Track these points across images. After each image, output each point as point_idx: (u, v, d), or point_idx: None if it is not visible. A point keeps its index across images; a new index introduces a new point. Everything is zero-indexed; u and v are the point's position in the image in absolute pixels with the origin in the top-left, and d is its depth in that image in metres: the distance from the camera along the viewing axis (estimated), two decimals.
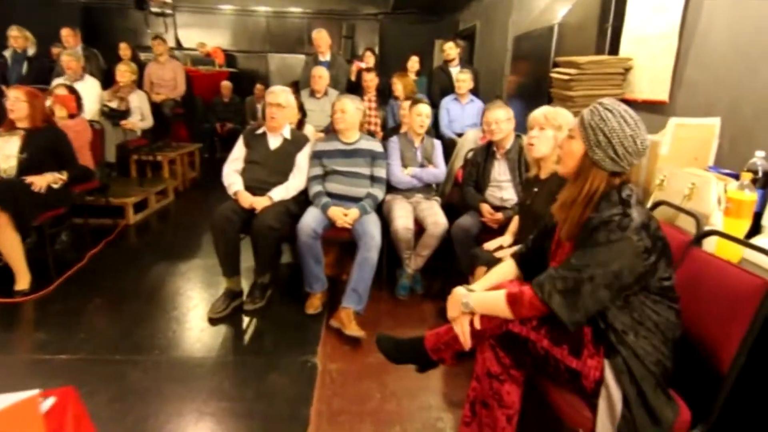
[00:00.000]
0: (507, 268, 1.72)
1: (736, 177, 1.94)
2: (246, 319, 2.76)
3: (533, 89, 3.62)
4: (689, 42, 2.50)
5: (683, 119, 2.28)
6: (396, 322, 2.82)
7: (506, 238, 2.44)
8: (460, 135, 4.31)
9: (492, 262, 2.24)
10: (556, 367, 1.42)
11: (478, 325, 1.50)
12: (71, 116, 3.62)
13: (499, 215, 2.80)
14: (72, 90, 3.69)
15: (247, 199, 2.82)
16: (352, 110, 2.98)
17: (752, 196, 1.67)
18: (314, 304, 2.83)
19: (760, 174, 1.85)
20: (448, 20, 8.54)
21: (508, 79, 4.69)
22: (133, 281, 3.20)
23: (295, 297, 2.97)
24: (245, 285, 2.99)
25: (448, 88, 4.99)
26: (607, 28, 3.26)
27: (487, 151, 2.99)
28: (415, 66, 5.50)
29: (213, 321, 2.70)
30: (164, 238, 4.20)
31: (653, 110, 2.76)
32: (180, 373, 2.23)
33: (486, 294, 1.54)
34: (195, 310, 2.82)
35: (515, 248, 2.26)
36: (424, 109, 3.21)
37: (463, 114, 4.66)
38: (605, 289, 1.30)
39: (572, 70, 2.97)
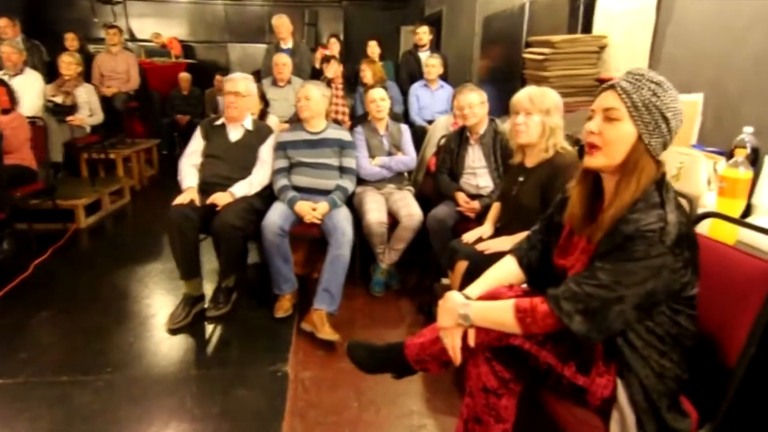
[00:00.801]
0: (507, 269, 1.51)
1: (724, 155, 1.85)
2: (209, 327, 2.55)
3: (505, 71, 3.49)
4: (667, 16, 2.39)
5: None
6: (372, 320, 2.66)
7: (486, 228, 2.30)
8: (430, 122, 4.16)
9: (473, 255, 2.09)
10: (558, 382, 1.27)
11: (472, 342, 1.31)
12: (5, 111, 3.29)
13: (476, 204, 2.66)
14: (2, 83, 3.35)
15: (192, 195, 2.57)
16: (317, 97, 2.78)
17: (747, 173, 1.56)
18: (284, 307, 2.64)
19: (749, 150, 1.76)
20: (414, 6, 8.35)
21: (479, 62, 4.56)
22: (85, 291, 2.93)
23: (263, 300, 2.77)
24: (209, 289, 2.77)
25: (417, 73, 4.84)
26: (579, 6, 3.15)
27: (460, 137, 2.84)
28: (375, 50, 5.29)
29: (173, 331, 2.47)
30: (120, 242, 3.91)
31: None
32: (136, 393, 2.01)
33: (489, 305, 1.32)
34: (154, 320, 2.59)
35: (500, 240, 2.13)
36: (377, 93, 3.02)
37: (433, 100, 4.51)
38: (634, 310, 1.12)
39: (546, 50, 2.84)
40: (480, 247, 2.14)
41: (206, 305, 2.67)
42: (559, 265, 1.36)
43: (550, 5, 3.22)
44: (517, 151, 2.17)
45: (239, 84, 2.75)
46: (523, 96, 2.06)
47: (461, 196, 2.72)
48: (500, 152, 2.70)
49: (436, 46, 6.31)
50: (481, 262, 2.07)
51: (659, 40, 2.44)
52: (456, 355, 1.34)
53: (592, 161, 1.20)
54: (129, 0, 8.30)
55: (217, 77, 7.14)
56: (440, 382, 2.11)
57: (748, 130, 1.79)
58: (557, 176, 1.97)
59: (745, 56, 1.96)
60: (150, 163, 5.86)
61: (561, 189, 1.96)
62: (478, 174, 2.77)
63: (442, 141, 3.03)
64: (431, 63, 4.44)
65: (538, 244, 1.50)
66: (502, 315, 1.25)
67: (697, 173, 1.78)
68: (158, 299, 2.84)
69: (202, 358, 2.28)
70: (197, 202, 2.55)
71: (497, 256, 2.07)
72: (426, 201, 3.05)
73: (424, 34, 5.04)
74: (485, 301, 1.35)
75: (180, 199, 2.54)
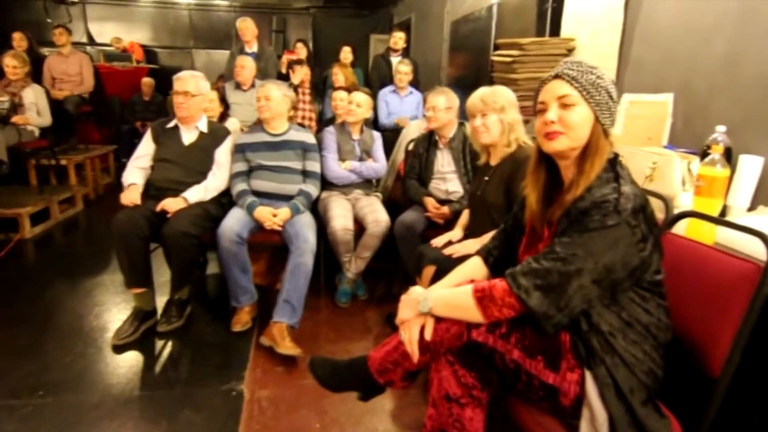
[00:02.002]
0: (471, 267, 1.46)
1: (696, 155, 1.80)
2: (159, 344, 2.35)
3: (474, 74, 3.43)
4: (634, 17, 2.36)
5: (637, 95, 2.14)
6: (338, 333, 2.51)
7: (456, 233, 2.20)
8: (393, 128, 4.08)
9: (441, 260, 1.98)
10: (528, 384, 1.17)
11: (429, 335, 1.23)
12: None
13: (445, 209, 2.56)
14: None
15: (129, 196, 2.39)
16: (278, 97, 2.63)
17: (725, 171, 1.50)
18: (242, 320, 2.46)
19: (722, 150, 1.71)
20: (383, 14, 8.31)
21: (449, 64, 4.50)
22: (24, 306, 2.68)
23: (221, 313, 2.59)
24: (161, 303, 2.57)
25: (388, 77, 4.76)
26: (547, 8, 3.12)
27: (429, 141, 2.75)
28: (348, 57, 5.21)
29: (118, 348, 2.26)
30: (69, 253, 3.65)
31: None
32: (69, 419, 1.80)
33: (449, 291, 1.26)
34: (98, 337, 2.37)
35: (468, 243, 2.03)
36: (355, 96, 2.90)
37: (402, 106, 4.42)
38: (594, 285, 1.06)
39: (515, 52, 2.78)
40: (448, 251, 2.03)
41: (157, 319, 2.47)
42: (524, 260, 1.28)
43: (517, 8, 3.18)
44: (482, 153, 2.12)
45: (188, 83, 2.58)
46: (475, 99, 2.05)
47: (430, 202, 2.62)
48: (470, 156, 2.62)
49: (405, 53, 6.27)
50: (449, 266, 1.94)
51: (627, 41, 2.40)
52: (413, 349, 1.26)
53: (556, 145, 1.17)
54: (88, 3, 7.98)
55: None
56: (408, 396, 1.97)
57: (721, 129, 1.74)
58: (519, 169, 1.91)
59: (713, 55, 1.93)
60: (107, 170, 5.58)
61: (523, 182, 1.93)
62: (447, 179, 2.68)
63: (411, 145, 2.92)
64: (403, 70, 4.36)
65: (504, 242, 1.45)
66: (462, 298, 1.20)
67: (671, 173, 1.72)
68: (106, 314, 2.62)
69: (148, 378, 2.08)
70: (137, 201, 2.38)
71: (465, 260, 1.98)
72: (396, 207, 2.93)
73: (400, 39, 4.99)
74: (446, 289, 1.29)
75: (124, 199, 2.37)
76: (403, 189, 2.88)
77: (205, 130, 2.66)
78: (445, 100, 2.57)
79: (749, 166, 1.65)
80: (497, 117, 1.98)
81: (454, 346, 1.21)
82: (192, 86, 2.54)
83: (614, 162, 1.15)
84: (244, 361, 2.20)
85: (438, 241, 2.16)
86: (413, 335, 1.25)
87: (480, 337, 1.17)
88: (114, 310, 2.66)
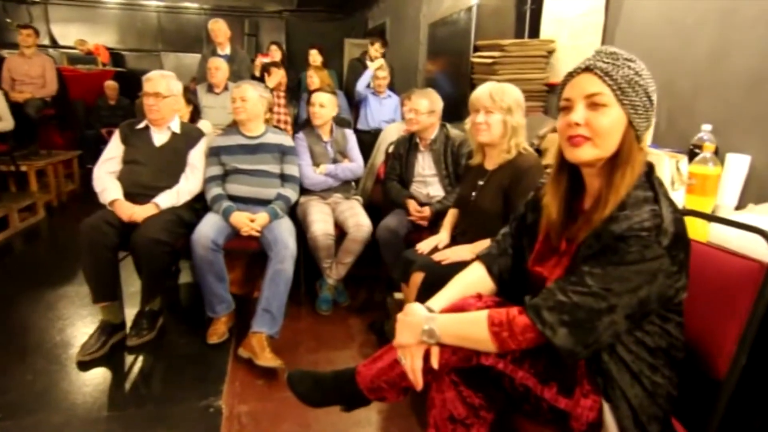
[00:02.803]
0: (474, 277, 1.32)
1: (683, 154, 1.79)
2: (129, 358, 2.20)
3: (454, 76, 3.40)
4: (615, 17, 2.36)
5: None
6: (319, 342, 2.41)
7: (443, 237, 2.13)
8: (377, 131, 4.01)
9: (431, 266, 1.91)
10: (536, 406, 1.09)
11: (435, 363, 1.12)
12: None
13: (427, 210, 2.51)
14: None
15: (128, 210, 2.27)
16: (254, 98, 2.53)
17: (717, 169, 1.48)
18: (218, 331, 2.33)
19: (714, 148, 1.70)
20: (357, 18, 8.27)
21: (426, 67, 4.47)
22: None
23: (195, 324, 2.46)
24: (132, 315, 2.43)
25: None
26: (526, 10, 3.11)
27: (409, 143, 2.69)
28: (317, 59, 5.12)
29: (85, 365, 2.11)
30: (30, 264, 3.44)
31: None
32: None
33: (458, 318, 1.12)
34: (63, 353, 2.21)
35: (459, 248, 1.96)
36: (317, 97, 2.81)
37: (380, 109, 4.37)
38: (626, 320, 0.96)
39: (496, 53, 2.76)
40: (437, 257, 1.96)
41: (127, 332, 2.32)
42: (535, 273, 1.19)
43: (496, 10, 3.17)
44: (476, 152, 2.03)
45: (159, 83, 2.45)
46: (482, 93, 1.91)
47: (412, 204, 2.55)
48: (451, 158, 2.57)
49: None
50: (438, 274, 1.88)
51: (608, 41, 2.40)
52: (417, 378, 1.13)
53: (580, 154, 1.02)
54: (51, 3, 7.68)
55: None
56: (397, 407, 1.89)
57: (707, 128, 1.74)
58: (521, 179, 1.83)
59: (696, 54, 1.93)
60: (70, 177, 5.33)
61: (525, 192, 1.84)
62: (428, 182, 2.62)
63: (391, 147, 2.85)
64: (381, 75, 4.32)
65: (510, 249, 1.32)
66: (474, 329, 1.07)
67: (660, 173, 1.70)
68: (70, 328, 2.45)
69: (117, 396, 1.94)
70: (139, 218, 2.24)
71: (456, 267, 1.91)
72: (376, 210, 2.86)
73: (376, 51, 4.90)
74: (453, 313, 1.15)
75: (122, 216, 2.25)
76: (384, 191, 2.81)
77: (177, 130, 2.53)
78: (428, 103, 2.51)
79: (736, 164, 1.65)
80: (502, 117, 1.87)
81: (460, 367, 1.13)
82: (163, 87, 2.42)
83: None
84: (222, 375, 2.08)
85: (424, 246, 2.09)
86: (416, 364, 1.13)
87: (489, 361, 1.08)
88: (79, 324, 2.49)
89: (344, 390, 1.32)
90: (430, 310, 1.18)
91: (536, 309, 1.01)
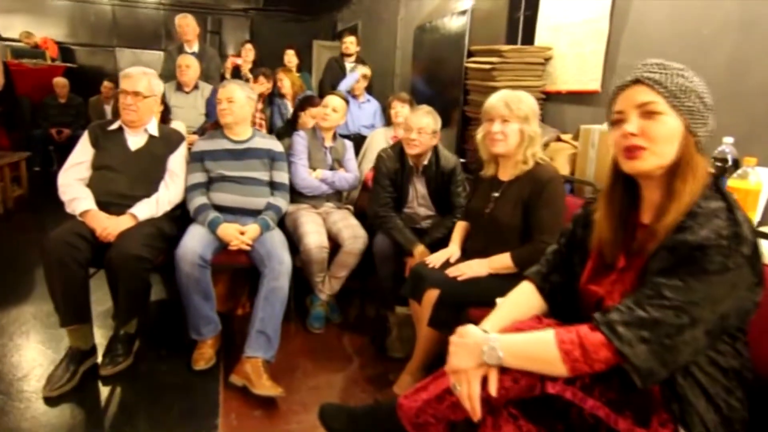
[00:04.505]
0: (526, 298, 1.24)
1: None
2: (105, 390, 1.95)
3: (444, 81, 3.30)
4: (621, 25, 2.32)
5: None
6: (316, 364, 2.22)
7: (453, 250, 2.01)
8: (356, 136, 3.86)
9: (446, 283, 1.79)
10: None
11: (495, 391, 1.01)
12: None
13: (441, 258, 2.01)
14: None
15: (102, 223, 2.02)
16: (242, 99, 2.33)
17: (758, 184, 1.43)
18: (205, 356, 2.11)
19: (730, 162, 1.66)
20: (326, 19, 8.09)
21: (409, 72, 4.36)
22: None
23: (175, 347, 2.23)
24: (101, 338, 2.17)
25: (339, 79, 4.53)
26: (519, 17, 3.06)
27: (402, 165, 2.41)
28: (293, 60, 4.92)
29: (52, 401, 1.84)
30: None
31: (583, 101, 2.57)
32: None
33: (524, 338, 1.04)
34: (23, 386, 1.93)
35: (474, 263, 1.85)
36: (331, 101, 2.67)
37: (360, 113, 4.22)
38: (706, 336, 0.90)
39: (494, 59, 2.68)
40: (451, 272, 1.84)
41: (99, 360, 2.06)
42: (589, 291, 1.12)
43: (488, 15, 3.10)
44: (488, 163, 1.92)
45: (139, 81, 2.21)
46: (498, 101, 1.81)
47: (419, 253, 2.21)
48: (441, 178, 2.38)
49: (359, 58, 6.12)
50: (455, 291, 1.78)
51: (613, 49, 2.36)
52: (475, 406, 1.03)
53: (639, 164, 0.99)
54: None
55: (105, 84, 6.32)
56: None
57: (728, 140, 1.70)
58: (542, 190, 1.74)
59: (714, 65, 1.90)
60: (17, 181, 4.87)
61: (547, 204, 1.76)
62: (421, 204, 2.47)
63: (383, 168, 2.43)
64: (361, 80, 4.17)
65: (560, 267, 1.24)
66: (541, 348, 0.98)
67: None
68: (29, 356, 2.16)
69: None
70: (112, 236, 2.00)
71: (473, 283, 1.80)
72: (362, 218, 2.68)
73: (351, 44, 4.78)
74: (517, 333, 1.06)
75: (96, 228, 2.00)
76: (375, 218, 2.43)
77: (155, 133, 2.30)
78: (432, 122, 2.28)
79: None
80: (519, 126, 1.77)
81: (521, 397, 1.01)
82: (143, 86, 2.18)
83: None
84: (214, 407, 1.87)
85: (435, 260, 1.96)
86: (474, 390, 1.02)
87: (556, 389, 0.98)
88: (40, 350, 2.21)
89: (384, 426, 1.21)
90: (485, 332, 1.08)
91: (611, 325, 0.93)
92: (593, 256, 1.15)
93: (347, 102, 2.78)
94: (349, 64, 4.68)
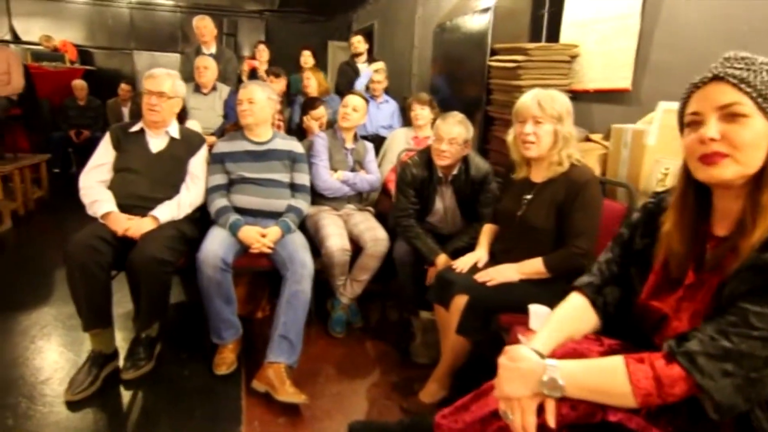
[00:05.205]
0: (578, 313, 1.13)
1: None
2: (126, 395, 1.93)
3: (466, 81, 3.23)
4: (653, 21, 2.24)
5: (672, 104, 1.99)
6: (339, 370, 2.18)
7: (482, 254, 1.94)
8: (375, 137, 3.81)
9: (475, 289, 1.73)
10: None
11: (553, 422, 0.92)
12: None
13: (469, 262, 1.93)
14: None
15: (123, 224, 2.00)
16: (262, 100, 2.30)
17: None
18: (227, 360, 2.08)
19: None
20: (341, 20, 8.06)
21: (428, 72, 4.29)
22: None
23: (195, 350, 2.20)
24: (121, 341, 2.15)
25: (355, 83, 4.50)
26: (543, 14, 2.99)
27: (429, 173, 2.30)
28: (309, 61, 4.91)
29: (75, 404, 1.82)
30: None
31: (612, 100, 2.49)
32: None
33: (588, 366, 0.94)
34: (45, 389, 1.92)
35: (504, 268, 1.79)
36: (351, 100, 2.62)
37: (378, 114, 4.17)
38: None
39: (519, 57, 2.61)
40: (480, 277, 1.77)
41: (121, 364, 2.04)
42: (652, 309, 1.03)
43: (511, 12, 3.03)
44: (520, 165, 1.85)
45: (164, 82, 2.20)
46: (530, 101, 1.73)
47: (444, 262, 2.13)
48: (470, 187, 2.28)
49: (370, 57, 6.09)
50: (484, 297, 1.72)
51: (645, 46, 2.28)
52: None
53: (719, 173, 0.89)
54: None
55: (122, 86, 6.38)
56: None
57: None
58: (578, 193, 1.67)
59: None
60: (38, 182, 4.91)
61: (583, 207, 1.69)
62: (447, 214, 2.39)
63: (408, 175, 2.32)
64: (376, 79, 4.12)
65: (615, 278, 1.14)
66: (610, 380, 0.89)
67: None
68: (51, 359, 2.15)
69: None
70: (137, 234, 1.99)
71: (503, 289, 1.74)
72: (382, 220, 2.63)
73: (359, 43, 4.77)
74: (575, 359, 0.97)
75: (117, 230, 1.99)
76: (396, 227, 2.38)
77: (176, 135, 2.28)
78: (464, 131, 2.16)
79: None
80: (552, 127, 1.70)
81: (580, 424, 0.94)
82: (168, 86, 2.17)
83: None
84: (237, 413, 1.83)
85: (462, 264, 1.91)
86: (529, 421, 0.93)
87: (618, 417, 0.90)
88: (62, 352, 2.20)
89: None
90: (540, 354, 0.99)
91: (690, 356, 0.85)
92: (657, 270, 1.05)
93: (367, 101, 2.72)
94: (361, 64, 4.66)
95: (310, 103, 3.44)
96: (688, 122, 0.94)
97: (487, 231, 2.03)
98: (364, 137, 3.99)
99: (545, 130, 1.70)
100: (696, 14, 2.06)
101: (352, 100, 2.62)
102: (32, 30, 7.23)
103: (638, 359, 0.89)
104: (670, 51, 2.17)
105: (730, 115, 0.87)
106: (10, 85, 4.38)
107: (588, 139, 2.34)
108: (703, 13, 2.03)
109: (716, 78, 0.90)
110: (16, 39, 7.22)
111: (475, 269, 1.87)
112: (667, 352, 0.88)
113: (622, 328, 1.09)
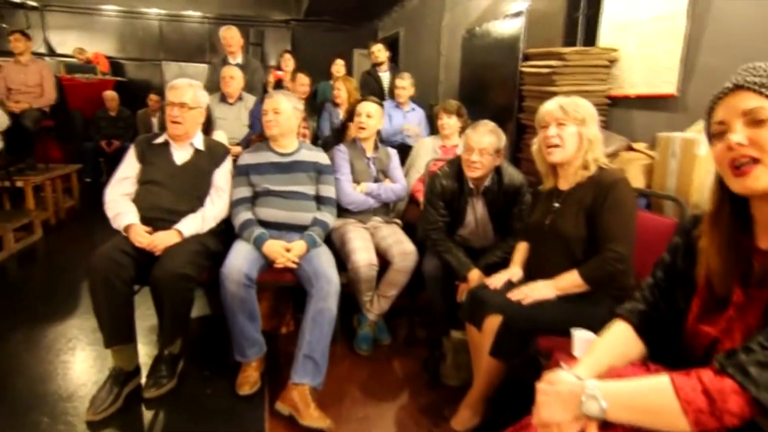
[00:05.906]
0: (620, 339, 1.06)
1: None
2: (148, 415, 1.87)
3: (497, 88, 3.13)
4: (701, 23, 2.10)
5: None
6: (365, 391, 2.09)
7: (516, 271, 1.83)
8: (402, 146, 3.72)
9: (510, 308, 1.62)
10: None
11: None
12: None
13: (502, 279, 1.83)
14: None
15: (144, 238, 1.96)
16: (288, 110, 2.24)
17: None
18: (250, 379, 2.01)
19: None
20: (367, 28, 8.04)
21: (457, 79, 4.19)
22: None
23: (218, 368, 2.14)
24: (144, 356, 2.11)
25: (378, 93, 4.43)
26: (579, 16, 2.86)
27: (461, 189, 2.21)
28: (341, 70, 4.89)
29: (95, 424, 1.78)
30: (26, 291, 3.11)
31: (655, 106, 2.35)
32: None
33: (632, 387, 0.86)
34: (68, 406, 1.88)
35: (539, 285, 1.67)
36: (365, 107, 2.51)
37: (405, 122, 4.08)
38: None
39: (554, 62, 2.49)
40: (514, 295, 1.66)
41: (143, 381, 2.00)
42: (701, 333, 0.95)
43: (544, 16, 2.92)
44: (547, 176, 1.76)
45: (185, 93, 2.16)
46: (551, 105, 1.67)
47: (477, 277, 2.04)
48: (503, 198, 2.18)
49: (395, 65, 6.04)
50: (520, 317, 1.61)
51: (692, 48, 2.14)
52: None
53: (752, 183, 0.85)
54: (48, 10, 7.38)
55: (151, 97, 6.48)
56: None
57: None
58: (606, 194, 1.59)
59: None
60: (69, 192, 5.00)
61: (612, 209, 1.58)
62: (479, 227, 2.28)
63: (437, 186, 2.23)
64: (401, 85, 4.02)
65: (660, 304, 1.06)
66: (655, 398, 0.82)
67: None
68: (74, 375, 2.12)
69: None
70: (159, 248, 1.96)
71: (540, 308, 1.63)
72: (410, 231, 2.54)
73: (379, 51, 4.69)
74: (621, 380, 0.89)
75: (138, 243, 1.95)
76: (426, 240, 2.29)
77: (201, 147, 2.24)
78: (495, 140, 2.06)
79: None
80: (576, 129, 1.62)
81: None
82: (189, 97, 2.13)
83: None
84: None
85: (496, 282, 1.79)
86: None
87: None
88: (85, 368, 2.17)
89: None
90: (579, 378, 0.92)
91: (741, 366, 0.78)
92: (701, 291, 0.98)
93: (382, 106, 2.63)
94: (382, 73, 4.59)
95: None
96: (714, 132, 0.92)
97: (520, 248, 1.92)
98: (391, 144, 3.92)
99: (569, 132, 1.63)
100: (747, 14, 1.91)
101: (365, 107, 2.52)
102: (66, 43, 7.42)
103: (685, 375, 0.81)
104: (719, 54, 2.02)
105: (755, 120, 0.85)
106: (43, 97, 4.49)
107: (630, 149, 2.20)
108: (754, 13, 1.88)
109: (737, 87, 0.89)
110: (51, 52, 7.42)
111: (509, 286, 1.75)
112: (715, 365, 0.80)
113: (672, 357, 0.99)
